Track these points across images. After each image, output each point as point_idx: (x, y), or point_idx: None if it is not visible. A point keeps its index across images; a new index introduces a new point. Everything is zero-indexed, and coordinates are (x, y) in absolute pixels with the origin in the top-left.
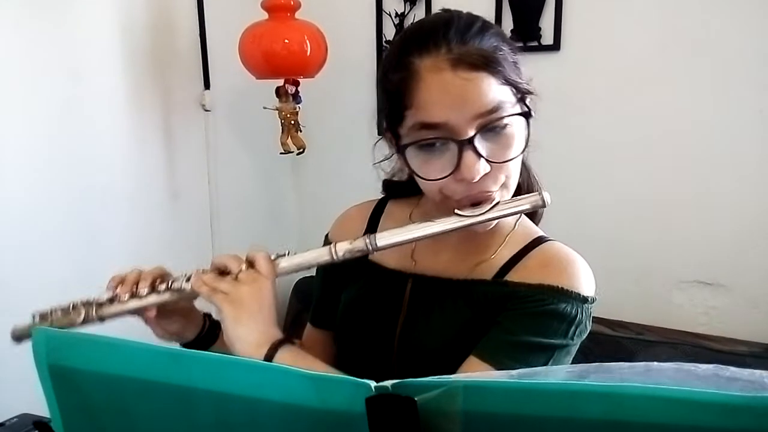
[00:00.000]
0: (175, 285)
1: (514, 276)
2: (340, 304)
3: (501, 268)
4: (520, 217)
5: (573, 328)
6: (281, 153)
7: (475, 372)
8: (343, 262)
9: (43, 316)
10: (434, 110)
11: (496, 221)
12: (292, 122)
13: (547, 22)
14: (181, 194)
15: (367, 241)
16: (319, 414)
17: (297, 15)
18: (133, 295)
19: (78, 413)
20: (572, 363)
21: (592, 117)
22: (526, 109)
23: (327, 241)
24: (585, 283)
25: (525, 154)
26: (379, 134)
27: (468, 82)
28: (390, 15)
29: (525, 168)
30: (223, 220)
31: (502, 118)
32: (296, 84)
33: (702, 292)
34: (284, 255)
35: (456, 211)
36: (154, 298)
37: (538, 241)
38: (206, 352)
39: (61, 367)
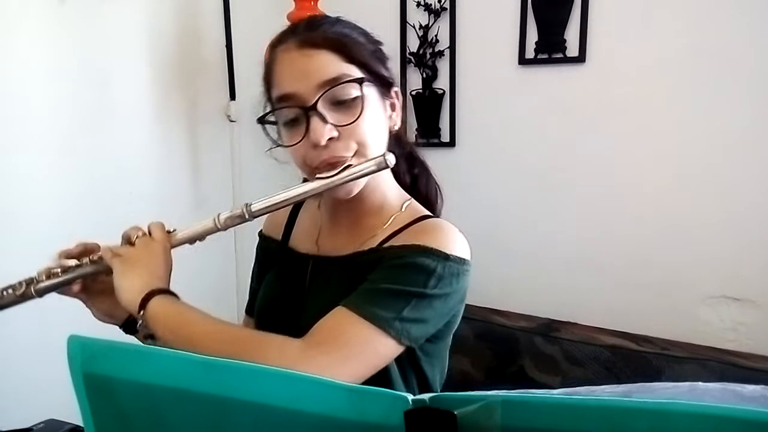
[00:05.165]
0: (95, 257)
1: (389, 244)
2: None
3: (381, 241)
4: (409, 201)
5: (432, 280)
6: None
7: (334, 318)
8: (225, 229)
9: None
10: (284, 83)
11: (357, 186)
12: None
13: (572, 34)
14: (206, 203)
15: (244, 208)
16: (356, 426)
17: None
18: (64, 270)
19: (112, 422)
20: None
21: (617, 129)
22: (365, 77)
23: (260, 235)
24: (450, 244)
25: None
26: None
27: (310, 57)
28: (414, 27)
29: (423, 168)
30: (247, 229)
31: (343, 88)
32: None
33: (730, 307)
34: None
35: (317, 176)
36: (79, 271)
37: (422, 218)
38: (242, 362)
39: (95, 375)
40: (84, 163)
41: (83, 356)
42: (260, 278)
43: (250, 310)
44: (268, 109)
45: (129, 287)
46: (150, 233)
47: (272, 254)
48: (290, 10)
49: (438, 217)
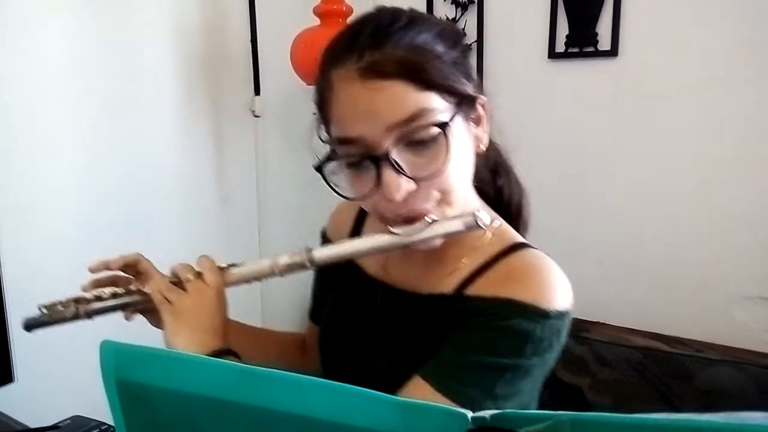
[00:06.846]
0: (145, 289)
1: (474, 289)
2: (326, 303)
3: (464, 280)
4: (496, 225)
5: (529, 345)
6: None
7: (417, 393)
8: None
9: (48, 307)
10: (346, 124)
11: (441, 240)
12: None
13: (604, 27)
14: (230, 199)
15: (306, 255)
16: None
17: (349, 21)
18: (114, 294)
19: (146, 430)
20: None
21: (650, 126)
22: (449, 117)
23: (323, 237)
24: (549, 296)
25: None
26: None
27: (377, 92)
28: None
29: (507, 175)
30: (271, 225)
31: (421, 128)
32: None
33: (766, 308)
34: (234, 265)
35: (390, 228)
36: (127, 299)
37: (512, 249)
38: (285, 372)
39: (129, 381)
40: (107, 157)
41: (117, 362)
42: (323, 287)
43: (313, 316)
44: (328, 150)
45: (183, 348)
46: (202, 275)
47: (335, 267)
48: (316, 3)
49: (525, 228)
